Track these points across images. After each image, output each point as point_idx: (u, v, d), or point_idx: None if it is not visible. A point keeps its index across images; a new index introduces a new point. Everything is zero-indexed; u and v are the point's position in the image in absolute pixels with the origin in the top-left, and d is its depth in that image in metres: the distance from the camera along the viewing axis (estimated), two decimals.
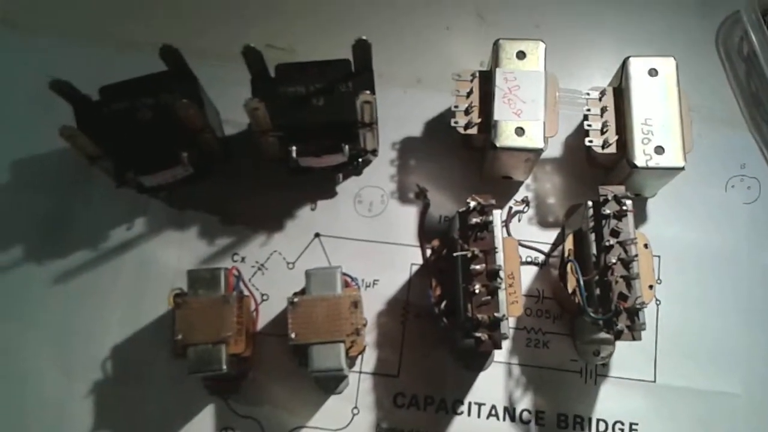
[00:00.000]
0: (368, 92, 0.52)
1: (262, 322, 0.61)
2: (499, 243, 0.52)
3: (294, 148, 0.57)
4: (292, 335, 0.53)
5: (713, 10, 0.71)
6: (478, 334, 0.51)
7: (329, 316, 0.53)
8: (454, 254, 0.53)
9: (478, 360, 0.60)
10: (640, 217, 0.64)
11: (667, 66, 0.59)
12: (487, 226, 0.53)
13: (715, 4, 0.71)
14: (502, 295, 0.51)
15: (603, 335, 0.58)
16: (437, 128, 0.66)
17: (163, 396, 0.59)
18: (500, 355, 0.61)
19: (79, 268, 0.62)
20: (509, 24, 0.69)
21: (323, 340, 0.53)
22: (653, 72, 0.59)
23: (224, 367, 0.52)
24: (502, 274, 0.52)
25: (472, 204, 0.53)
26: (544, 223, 0.64)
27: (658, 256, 0.63)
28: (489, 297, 0.51)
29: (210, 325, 0.53)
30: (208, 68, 0.62)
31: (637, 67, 0.59)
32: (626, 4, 0.71)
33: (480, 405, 0.60)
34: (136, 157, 0.57)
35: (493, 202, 0.53)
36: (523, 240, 0.62)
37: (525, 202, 0.64)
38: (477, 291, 0.51)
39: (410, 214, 0.64)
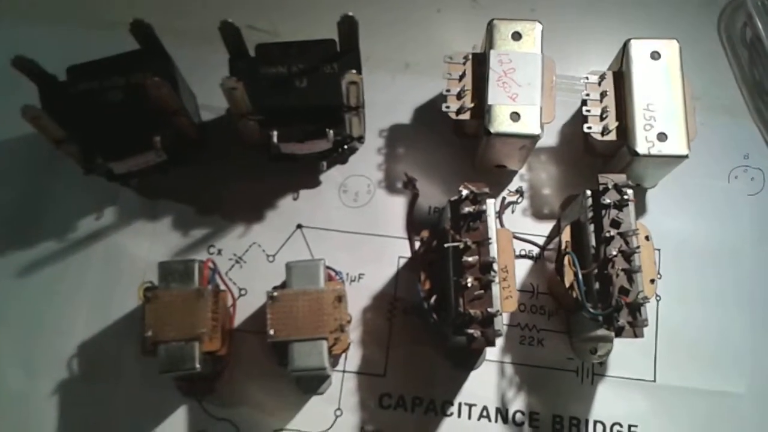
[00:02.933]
0: (354, 72, 0.49)
1: (239, 318, 0.58)
2: (492, 234, 0.50)
3: (275, 132, 0.54)
4: (271, 332, 0.50)
5: None
6: (470, 331, 0.48)
7: (311, 312, 0.51)
8: (445, 245, 0.50)
9: (470, 358, 0.57)
10: (640, 209, 0.61)
11: (669, 49, 0.56)
12: (480, 215, 0.50)
13: None
14: (495, 289, 0.49)
15: (600, 332, 0.55)
16: (427, 115, 0.64)
17: (132, 396, 0.56)
18: (492, 353, 0.58)
19: (45, 260, 0.59)
20: (503, 7, 0.66)
21: (305, 337, 0.50)
22: (655, 55, 0.56)
23: (198, 366, 0.49)
24: (495, 266, 0.49)
25: (465, 192, 0.50)
26: (539, 215, 0.62)
27: (658, 250, 0.60)
28: (482, 291, 0.49)
29: (183, 320, 0.50)
30: (186, 50, 0.60)
31: (639, 50, 0.56)
32: None
33: (471, 406, 0.57)
34: (105, 141, 0.54)
35: (487, 190, 0.50)
36: (517, 232, 0.60)
37: (519, 192, 0.61)
38: (469, 284, 0.48)
39: (398, 204, 0.62)
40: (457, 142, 0.62)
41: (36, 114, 0.49)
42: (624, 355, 0.58)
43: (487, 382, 0.58)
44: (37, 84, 0.53)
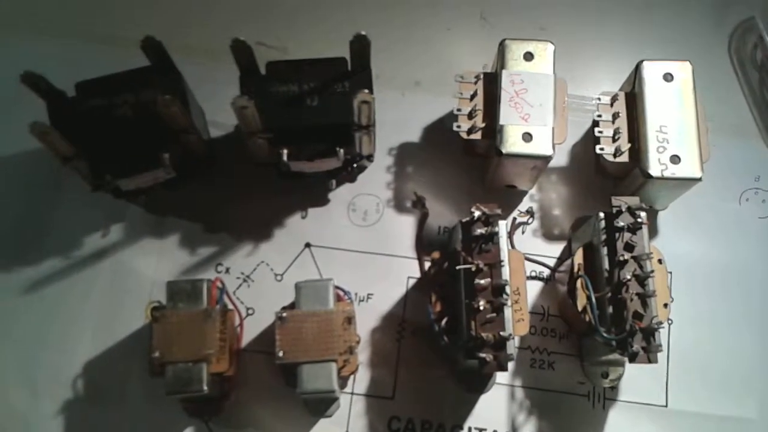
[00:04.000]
0: (366, 91, 0.49)
1: (246, 339, 0.58)
2: (505, 256, 0.49)
3: (285, 151, 0.53)
4: (280, 353, 0.49)
5: (725, 16, 0.68)
6: (482, 355, 0.47)
7: (320, 333, 0.50)
8: (457, 267, 0.49)
9: (479, 382, 0.57)
10: (651, 231, 0.60)
11: (682, 71, 0.56)
12: (492, 237, 0.50)
13: (728, 9, 0.68)
14: (508, 312, 0.48)
15: (612, 356, 0.54)
16: (437, 134, 0.63)
17: (137, 418, 0.56)
18: (502, 376, 0.57)
19: (50, 277, 0.59)
20: (513, 26, 0.65)
21: (313, 359, 0.49)
22: (668, 77, 0.56)
23: (205, 387, 0.49)
24: (508, 289, 0.48)
25: (477, 214, 0.50)
26: (549, 236, 0.61)
27: (670, 273, 0.59)
28: (494, 314, 0.48)
29: (190, 341, 0.49)
30: (195, 67, 0.59)
31: (652, 71, 0.56)
32: (634, 10, 0.69)
33: (481, 430, 0.56)
34: (114, 158, 0.53)
35: (499, 211, 0.50)
36: (527, 253, 0.59)
37: (530, 213, 0.61)
38: (481, 307, 0.48)
39: (407, 224, 0.61)
40: (466, 161, 0.62)
41: (44, 130, 0.49)
42: (636, 379, 0.57)
43: (497, 406, 0.57)
44: (46, 100, 0.53)
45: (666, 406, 0.57)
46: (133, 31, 0.53)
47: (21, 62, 0.51)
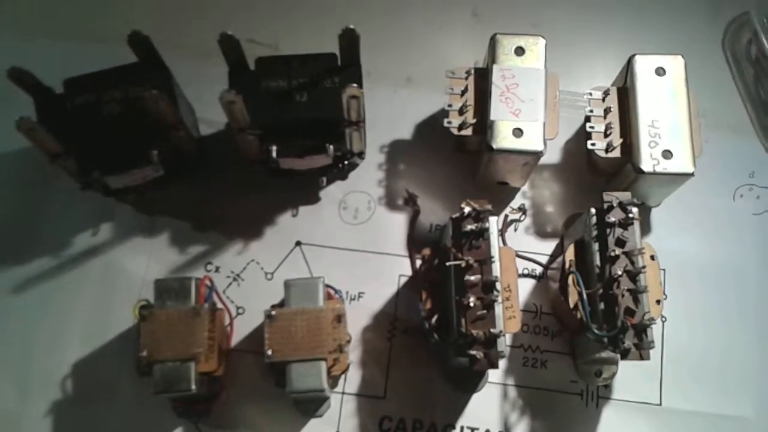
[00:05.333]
0: (355, 86, 0.48)
1: (236, 338, 0.57)
2: (495, 252, 0.49)
3: (274, 147, 0.53)
4: (269, 352, 0.49)
5: (720, 11, 0.68)
6: (472, 352, 0.47)
7: (310, 332, 0.49)
8: (447, 264, 0.49)
9: (472, 380, 0.56)
10: (644, 228, 0.60)
11: (675, 65, 0.55)
12: (482, 233, 0.49)
13: (722, 4, 0.68)
14: (498, 309, 0.48)
15: (605, 354, 0.54)
16: (428, 130, 0.63)
17: (127, 418, 0.55)
18: (495, 375, 0.57)
19: (39, 276, 0.58)
20: (506, 22, 0.65)
21: (303, 358, 0.49)
22: (660, 71, 0.55)
23: (193, 387, 0.48)
24: (498, 286, 0.48)
25: (467, 210, 0.49)
26: (541, 233, 0.61)
27: (663, 270, 0.59)
28: (484, 311, 0.48)
29: (178, 340, 0.49)
30: (184, 65, 0.59)
31: (644, 66, 0.55)
32: (627, 5, 0.68)
33: (473, 429, 0.56)
34: (102, 155, 0.53)
35: (489, 207, 0.49)
36: (519, 250, 0.59)
37: (522, 210, 0.60)
38: (471, 304, 0.47)
39: (399, 221, 0.61)
40: (458, 158, 0.61)
41: (31, 126, 0.48)
42: (629, 377, 0.57)
43: (489, 405, 0.56)
44: (33, 96, 0.53)
45: (660, 404, 0.57)
46: (123, 29, 0.53)
47: (10, 61, 0.51)
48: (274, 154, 0.53)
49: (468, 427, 0.56)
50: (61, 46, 0.63)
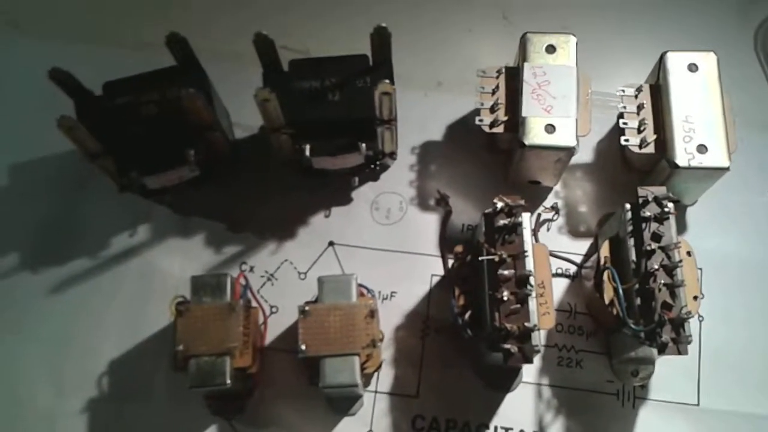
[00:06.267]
0: (387, 82, 0.49)
1: (270, 337, 0.57)
2: (528, 246, 0.48)
3: (307, 146, 0.53)
4: (303, 347, 0.49)
5: (751, 12, 0.67)
6: (506, 346, 0.46)
7: (343, 327, 0.49)
8: (480, 258, 0.49)
9: (505, 379, 0.55)
10: (680, 227, 0.59)
11: (707, 61, 0.55)
12: (515, 228, 0.49)
13: (754, 5, 0.67)
14: (532, 303, 0.47)
15: (642, 354, 0.53)
16: (459, 132, 0.63)
17: (161, 416, 0.55)
18: (529, 374, 0.56)
19: (78, 277, 0.59)
20: (536, 24, 0.64)
21: (336, 353, 0.49)
22: (693, 67, 0.55)
23: (228, 381, 0.48)
24: (532, 280, 0.47)
25: (500, 205, 0.49)
26: (575, 233, 0.60)
27: (701, 269, 0.58)
28: (518, 305, 0.47)
29: (214, 335, 0.49)
30: (220, 69, 0.60)
31: (676, 62, 0.55)
32: (657, 6, 0.68)
33: (507, 430, 0.55)
34: (140, 156, 0.54)
35: (522, 202, 0.49)
36: (553, 250, 0.58)
37: (554, 209, 0.60)
38: (505, 298, 0.47)
39: (431, 222, 0.61)
40: (489, 158, 0.61)
41: (71, 124, 0.49)
42: (666, 377, 0.55)
43: (523, 405, 0.56)
44: (73, 98, 0.54)
45: (698, 404, 0.55)
46: (159, 35, 0.54)
47: (49, 65, 0.52)
48: (307, 153, 0.53)
49: (502, 427, 0.55)
50: (100, 53, 0.65)
